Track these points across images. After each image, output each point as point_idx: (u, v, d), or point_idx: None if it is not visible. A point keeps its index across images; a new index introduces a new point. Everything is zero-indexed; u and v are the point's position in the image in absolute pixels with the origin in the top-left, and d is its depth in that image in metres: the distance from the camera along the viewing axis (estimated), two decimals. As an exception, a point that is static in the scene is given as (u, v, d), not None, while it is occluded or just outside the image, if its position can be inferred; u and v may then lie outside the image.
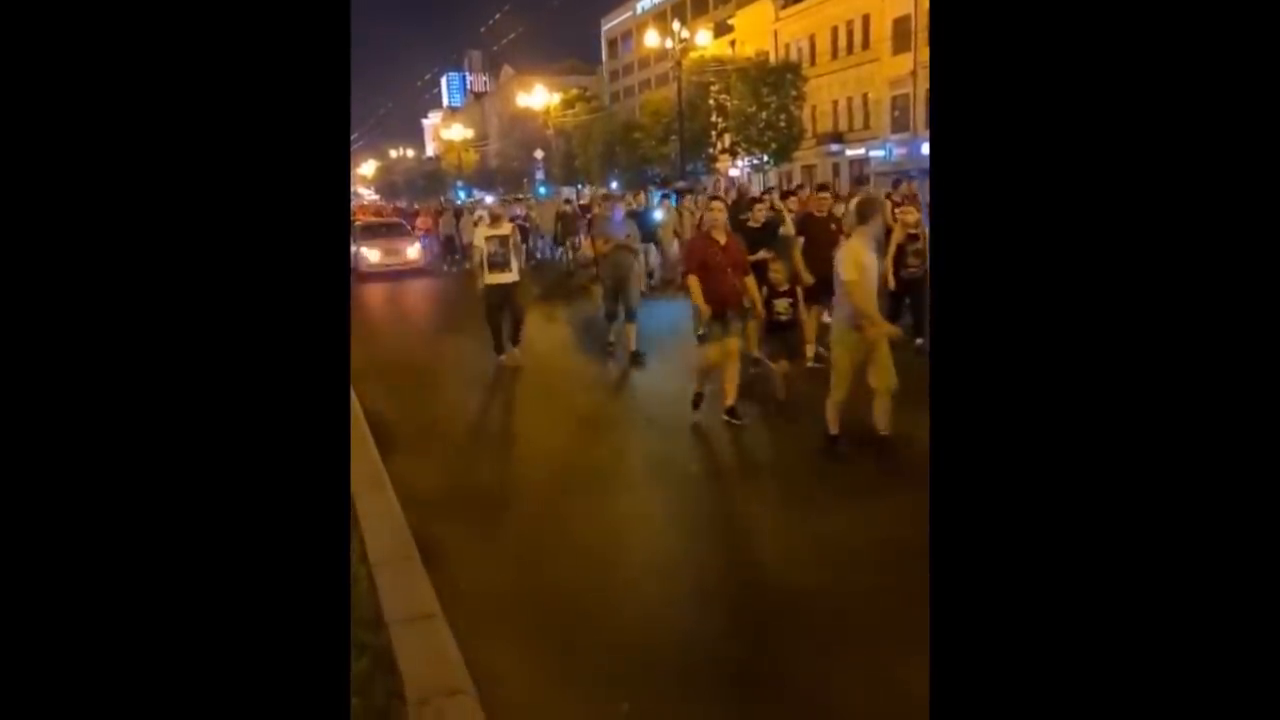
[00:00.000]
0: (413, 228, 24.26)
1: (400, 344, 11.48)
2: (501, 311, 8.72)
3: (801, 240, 7.62)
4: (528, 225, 19.16)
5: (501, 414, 7.59)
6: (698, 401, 6.43)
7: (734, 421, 6.15)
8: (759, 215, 8.06)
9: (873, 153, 39.56)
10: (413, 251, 20.10)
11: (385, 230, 21.44)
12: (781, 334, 6.86)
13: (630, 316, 8.78)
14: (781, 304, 6.78)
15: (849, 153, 41.50)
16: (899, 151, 37.94)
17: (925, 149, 36.38)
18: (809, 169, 41.47)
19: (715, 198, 8.20)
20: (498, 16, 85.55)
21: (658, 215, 14.52)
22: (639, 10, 64.82)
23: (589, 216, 17.35)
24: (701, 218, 8.99)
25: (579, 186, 51.48)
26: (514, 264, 8.69)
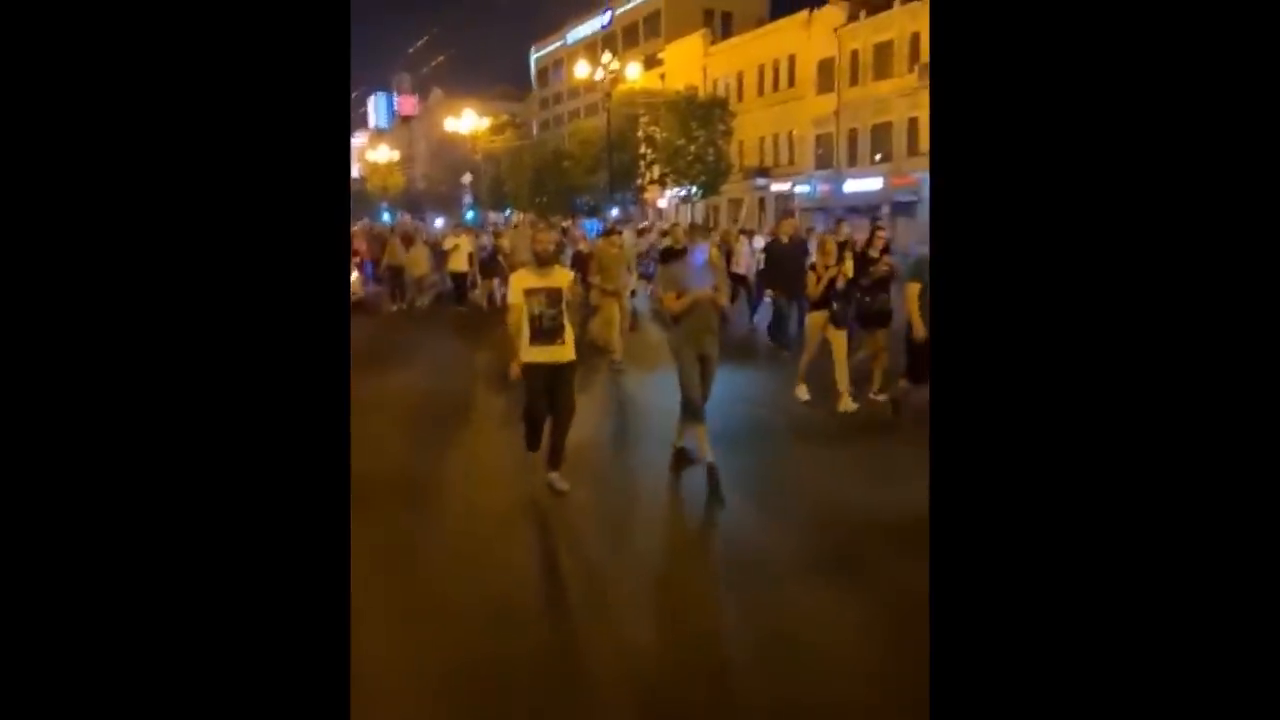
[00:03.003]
0: (354, 252, 20.97)
1: (371, 445, 6.50)
2: (544, 404, 5.42)
3: (918, 286, 6.70)
4: (497, 258, 15.88)
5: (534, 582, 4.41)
6: None
7: None
8: (879, 270, 7.78)
9: (797, 188, 40.45)
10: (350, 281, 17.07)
11: None
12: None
13: (697, 412, 5.72)
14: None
15: (774, 187, 42.35)
16: (822, 188, 38.89)
17: (847, 186, 37.43)
18: (735, 202, 42.13)
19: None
20: (425, 40, 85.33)
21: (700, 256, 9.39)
22: (569, 40, 65.36)
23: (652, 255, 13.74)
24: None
25: (506, 213, 51.28)
26: (568, 332, 5.43)
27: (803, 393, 7.97)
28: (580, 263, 13.11)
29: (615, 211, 25.97)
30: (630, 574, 4.40)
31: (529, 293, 5.30)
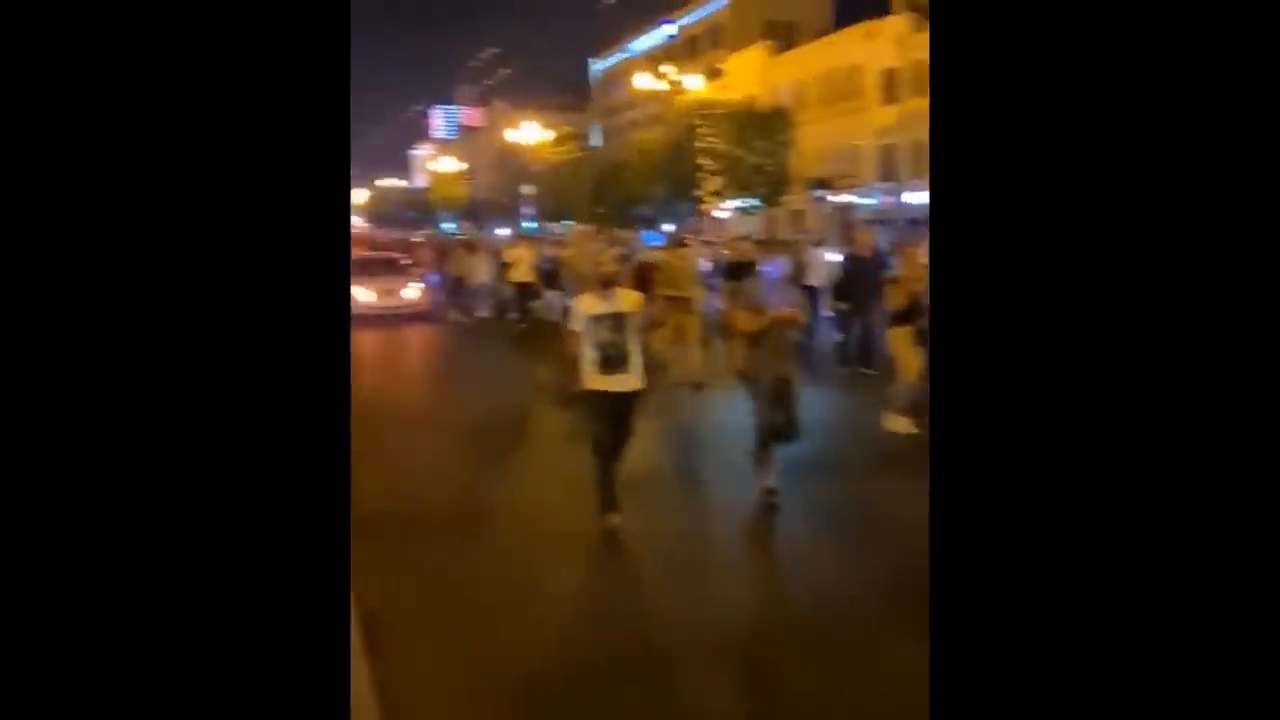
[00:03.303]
0: (414, 262, 21.07)
1: (425, 467, 6.77)
2: (607, 434, 5.13)
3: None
4: (553, 269, 16.19)
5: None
6: None
7: None
8: None
9: (859, 200, 39.97)
10: (412, 292, 17.28)
11: (381, 266, 18.21)
12: None
13: (793, 431, 5.42)
14: None
15: (834, 198, 41.92)
16: (884, 199, 38.35)
17: (906, 198, 36.87)
18: (796, 214, 41.81)
19: None
20: (488, 52, 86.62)
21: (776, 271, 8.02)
22: (631, 52, 65.72)
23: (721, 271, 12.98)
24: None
25: (565, 223, 51.66)
26: (636, 360, 5.12)
27: (902, 424, 7.03)
28: (644, 275, 12.99)
29: (672, 225, 26.00)
30: (697, 615, 4.07)
31: (594, 319, 5.02)
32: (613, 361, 5.01)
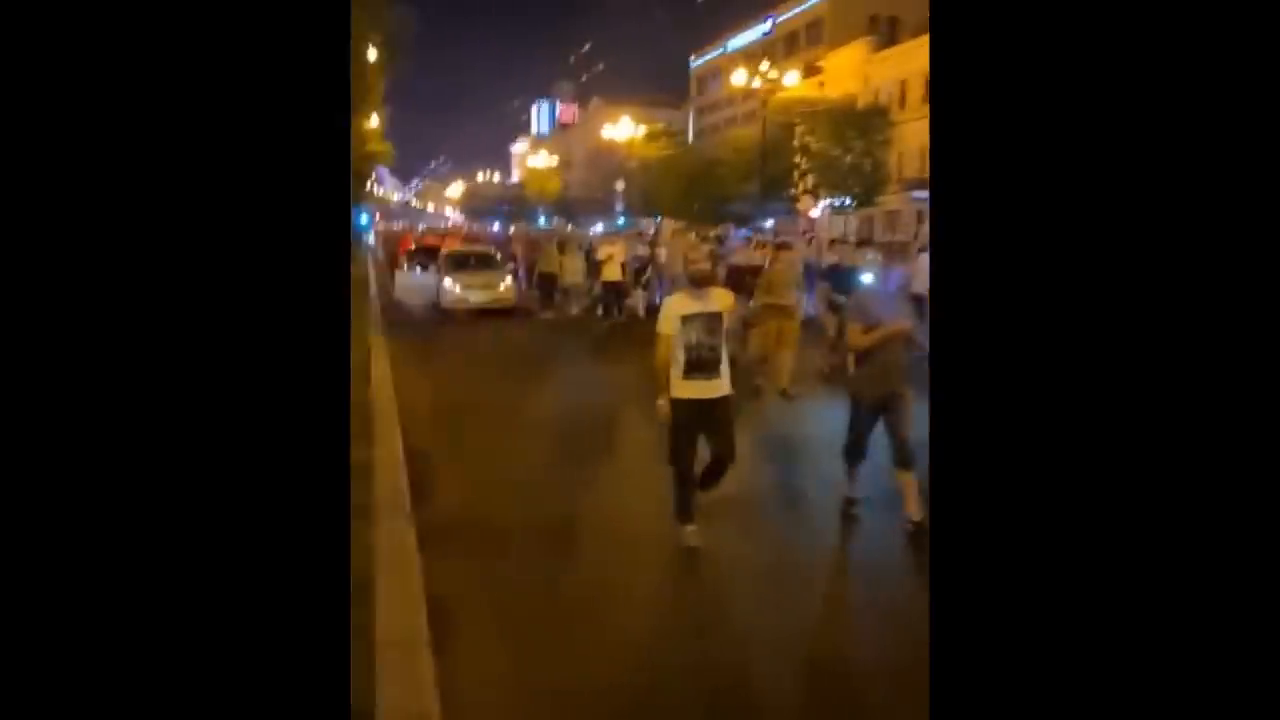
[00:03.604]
0: (509, 257, 21.06)
1: (506, 475, 6.44)
2: (694, 442, 4.77)
3: None
4: (648, 265, 16.11)
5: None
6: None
7: None
8: None
9: (958, 201, 38.74)
10: (504, 287, 17.05)
11: (474, 261, 18.21)
12: None
13: (907, 459, 4.96)
14: None
15: (933, 200, 40.74)
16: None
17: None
18: (892, 214, 40.88)
19: None
20: (586, 47, 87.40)
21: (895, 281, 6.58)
22: (729, 48, 65.35)
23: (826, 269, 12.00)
24: None
25: (655, 219, 51.79)
26: (725, 365, 4.76)
27: None
28: (737, 276, 12.38)
29: (770, 221, 25.75)
30: (778, 636, 3.82)
31: (686, 319, 4.65)
32: (703, 365, 4.64)
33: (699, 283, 4.83)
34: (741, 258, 14.42)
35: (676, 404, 4.72)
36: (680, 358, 4.66)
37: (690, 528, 4.78)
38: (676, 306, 4.75)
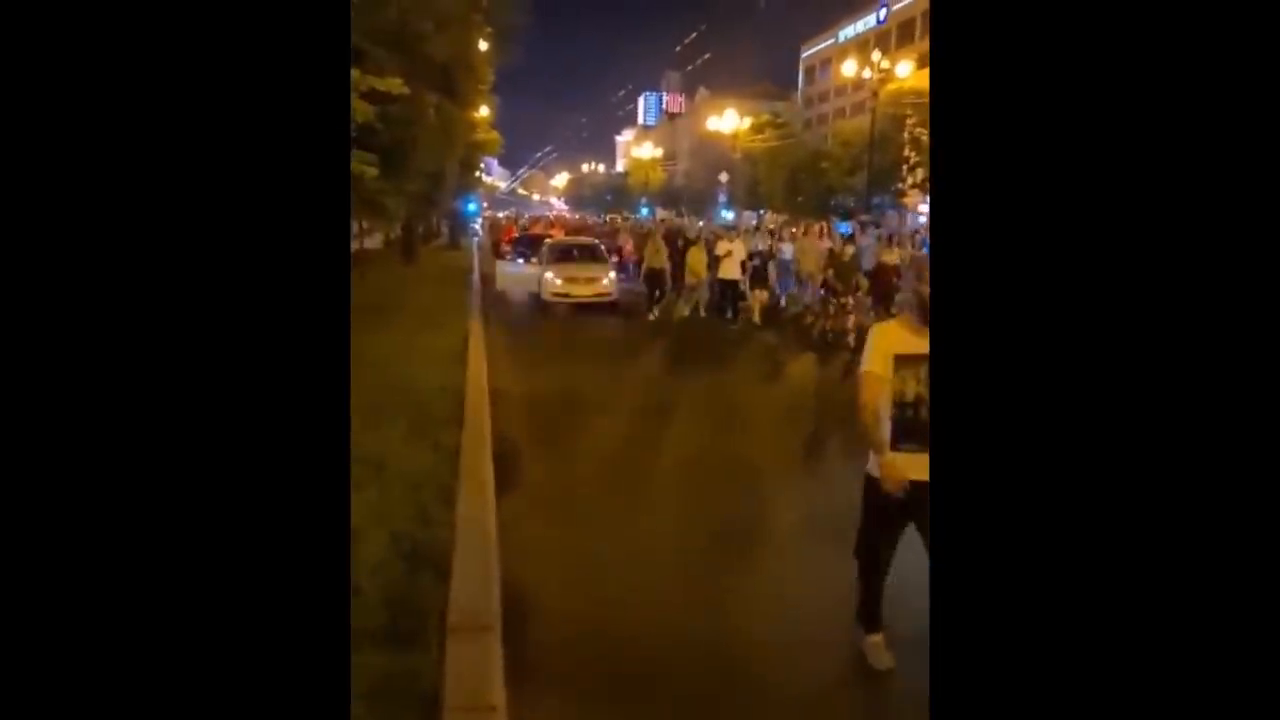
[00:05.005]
0: (617, 250, 20.26)
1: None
2: (896, 539, 3.42)
3: None
4: (767, 262, 14.87)
5: None
6: None
7: None
8: None
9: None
10: (607, 281, 15.80)
11: (578, 253, 17.16)
12: None
13: None
14: None
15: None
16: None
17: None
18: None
19: None
20: (693, 36, 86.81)
21: None
22: (841, 38, 64.03)
23: None
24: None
25: (760, 212, 51.26)
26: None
27: None
28: (884, 279, 11.19)
29: (865, 216, 25.10)
30: None
31: (901, 360, 3.21)
32: (918, 431, 3.16)
33: (923, 309, 3.19)
34: (888, 257, 13.12)
35: (882, 485, 3.25)
36: (885, 416, 3.26)
37: (876, 638, 3.57)
38: (892, 340, 3.29)
